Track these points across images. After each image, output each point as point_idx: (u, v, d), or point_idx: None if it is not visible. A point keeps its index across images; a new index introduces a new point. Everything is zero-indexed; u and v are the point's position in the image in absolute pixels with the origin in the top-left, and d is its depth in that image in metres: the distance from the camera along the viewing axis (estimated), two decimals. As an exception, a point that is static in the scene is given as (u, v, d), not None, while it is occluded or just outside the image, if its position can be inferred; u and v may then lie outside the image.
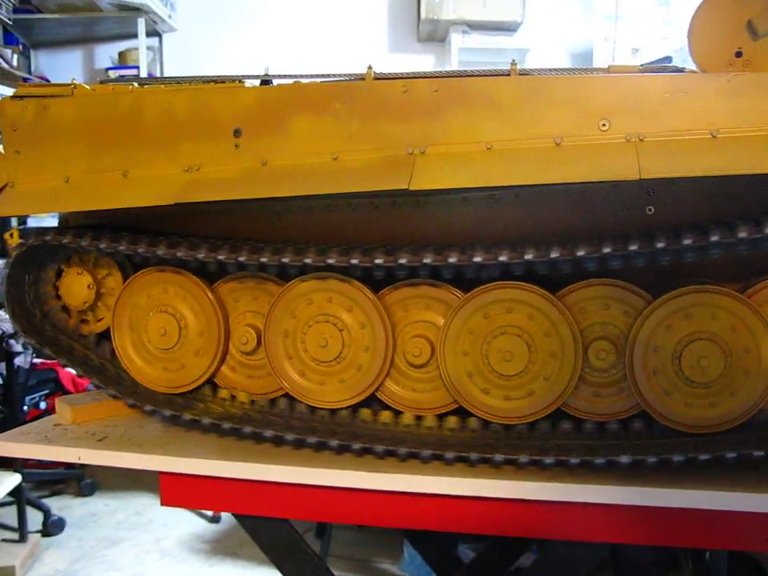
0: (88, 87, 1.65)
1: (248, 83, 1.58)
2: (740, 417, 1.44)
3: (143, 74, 4.62)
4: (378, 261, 1.45)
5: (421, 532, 2.33)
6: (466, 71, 1.50)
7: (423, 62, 5.30)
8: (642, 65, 1.51)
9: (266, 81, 1.61)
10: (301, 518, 1.78)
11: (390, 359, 1.55)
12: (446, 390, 1.53)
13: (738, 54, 1.47)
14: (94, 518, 3.93)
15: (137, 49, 4.68)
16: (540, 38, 4.98)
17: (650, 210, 1.57)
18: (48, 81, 4.62)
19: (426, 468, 1.48)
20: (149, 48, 4.93)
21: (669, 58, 3.52)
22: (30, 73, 4.79)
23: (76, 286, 1.69)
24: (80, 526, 3.85)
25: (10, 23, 4.40)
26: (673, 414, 1.45)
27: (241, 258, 1.53)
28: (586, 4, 4.86)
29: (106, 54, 5.00)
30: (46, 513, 3.71)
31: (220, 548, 3.78)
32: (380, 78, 1.52)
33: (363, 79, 1.52)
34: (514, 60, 1.48)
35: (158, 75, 4.91)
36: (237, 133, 1.54)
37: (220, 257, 1.54)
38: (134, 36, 4.68)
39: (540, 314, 1.48)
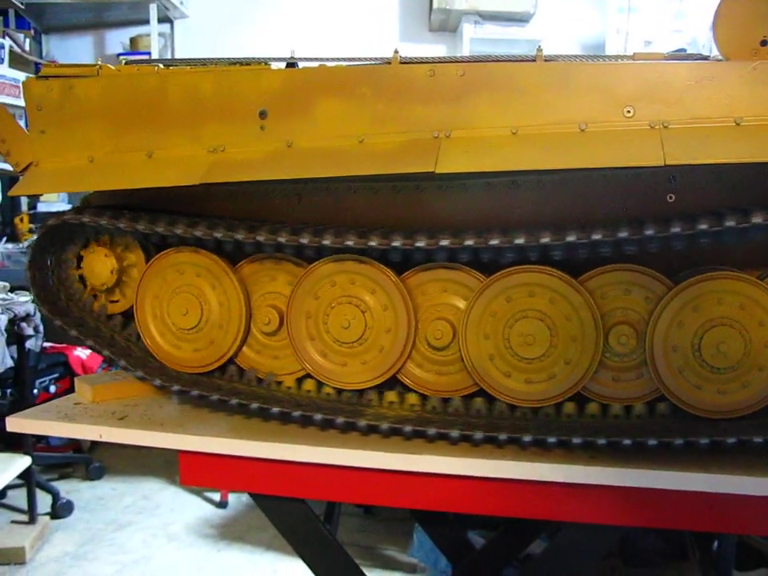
0: (113, 68, 1.66)
1: (273, 66, 1.59)
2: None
3: (154, 59, 4.63)
4: (395, 243, 1.47)
5: (432, 517, 2.35)
6: (491, 56, 1.51)
7: (434, 51, 5.30)
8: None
9: (291, 63, 1.62)
10: (318, 498, 1.81)
11: (412, 341, 1.57)
12: (468, 373, 1.55)
13: (764, 43, 1.47)
14: (102, 501, 3.95)
15: (148, 35, 4.69)
16: (552, 29, 4.98)
17: (671, 197, 1.58)
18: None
19: (448, 449, 1.50)
20: (160, 34, 4.93)
21: (683, 50, 3.53)
22: (41, 57, 4.79)
23: (98, 266, 1.70)
24: (88, 509, 3.88)
25: (22, 7, 4.40)
26: (696, 400, 1.47)
27: (259, 238, 1.54)
28: (599, -4, 4.86)
29: (117, 40, 5.01)
30: (55, 496, 3.73)
31: (227, 533, 3.80)
32: (406, 62, 1.53)
33: (389, 63, 1.53)
34: (539, 46, 1.48)
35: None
36: (262, 114, 1.55)
37: (252, 237, 1.55)
38: (146, 22, 4.69)
39: (561, 298, 1.49)
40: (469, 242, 1.44)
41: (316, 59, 1.61)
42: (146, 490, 4.07)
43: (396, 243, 1.47)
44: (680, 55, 1.47)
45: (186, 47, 5.07)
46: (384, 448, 1.51)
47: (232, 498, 4.06)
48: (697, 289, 1.45)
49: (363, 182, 1.68)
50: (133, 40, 4.86)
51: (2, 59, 3.89)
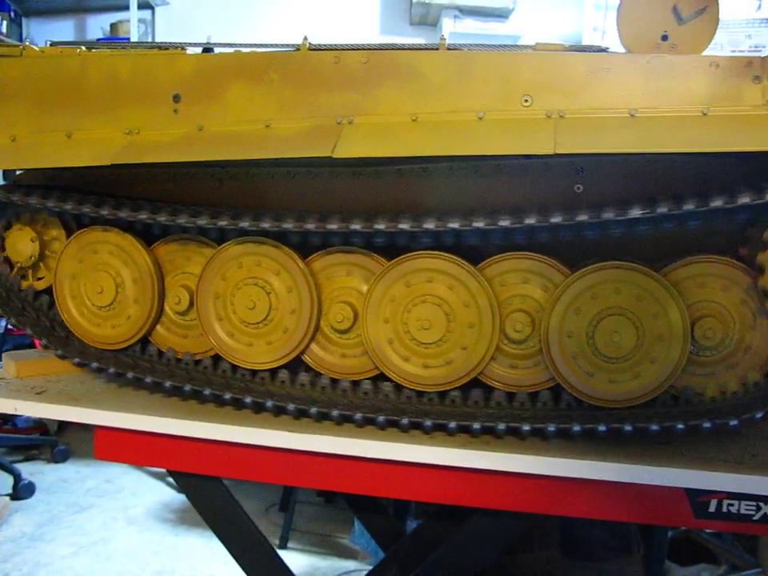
0: (37, 49, 1.69)
1: (189, 51, 1.62)
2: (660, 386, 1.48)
3: (132, 46, 4.65)
4: (286, 226, 1.50)
5: (365, 504, 2.38)
6: (396, 44, 1.53)
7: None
8: None
9: (207, 49, 1.65)
10: (232, 476, 1.84)
11: (315, 323, 1.59)
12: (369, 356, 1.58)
13: (665, 38, 1.49)
14: (65, 484, 4.00)
15: (129, 21, 4.71)
16: (531, 25, 4.99)
17: (578, 188, 1.61)
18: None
19: (356, 431, 1.53)
20: (141, 20, 4.96)
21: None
22: (20, 40, 4.82)
23: (20, 243, 1.73)
24: (50, 491, 3.92)
25: None
26: (587, 387, 1.49)
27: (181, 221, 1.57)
28: (578, -7, 4.87)
29: (98, 25, 5.04)
30: (17, 477, 3.78)
31: (187, 517, 3.84)
32: (315, 48, 1.56)
33: (299, 50, 1.56)
34: (443, 35, 1.51)
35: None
36: (176, 98, 1.58)
37: (160, 219, 1.59)
38: (127, 8, 4.71)
39: (460, 285, 1.51)
40: (356, 227, 1.47)
41: (230, 45, 1.64)
42: (109, 474, 4.11)
43: (288, 226, 1.50)
44: (579, 46, 1.49)
45: (167, 34, 5.09)
46: (293, 428, 1.54)
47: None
48: (596, 277, 1.47)
49: (281, 166, 1.72)
50: (113, 26, 4.89)
51: (-22, 42, 3.92)
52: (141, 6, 4.86)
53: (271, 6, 5.21)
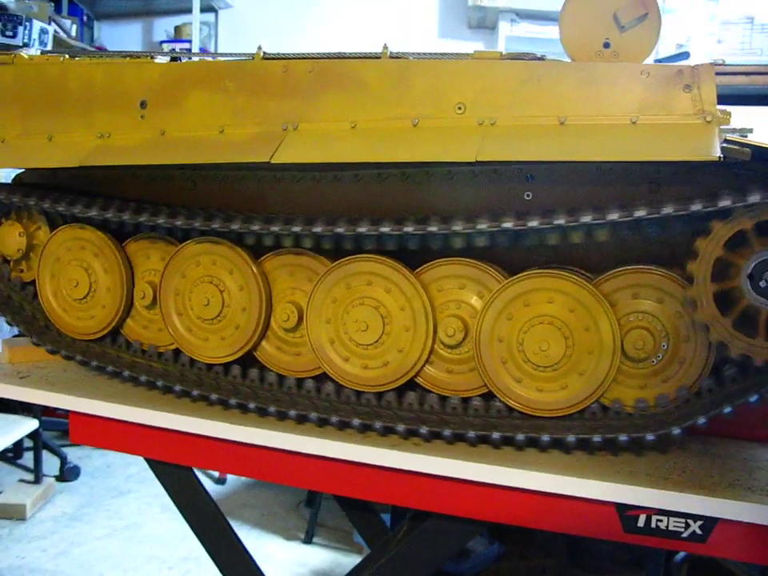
0: (26, 57, 1.82)
1: (157, 59, 1.71)
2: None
3: (195, 48, 4.84)
4: (234, 227, 1.56)
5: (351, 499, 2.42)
6: (342, 53, 1.58)
7: (472, 49, 5.32)
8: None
9: (174, 58, 1.74)
10: (199, 466, 1.92)
11: (264, 321, 1.65)
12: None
13: (606, 45, 1.48)
14: (109, 469, 4.21)
15: (191, 24, 4.91)
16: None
17: (528, 195, 1.61)
18: (105, 50, 4.92)
19: (295, 428, 1.59)
20: (205, 23, 5.15)
21: (686, 54, 3.44)
22: (92, 43, 5.10)
23: (9, 237, 1.87)
24: (94, 475, 4.14)
25: None
26: (515, 394, 1.49)
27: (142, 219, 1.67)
28: (635, -2, 4.76)
29: (164, 27, 5.27)
30: (63, 460, 4.00)
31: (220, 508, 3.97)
32: (268, 58, 1.62)
33: (253, 59, 1.63)
34: (385, 44, 1.54)
35: (212, 50, 5.13)
36: (143, 104, 1.68)
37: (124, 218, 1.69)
38: (191, 11, 4.90)
39: (396, 288, 1.54)
40: (296, 229, 1.52)
41: (196, 54, 1.72)
42: (152, 462, 4.30)
43: (235, 227, 1.57)
44: (514, 54, 1.49)
45: (230, 36, 5.28)
46: (235, 421, 1.61)
47: (231, 476, 4.23)
48: (530, 284, 1.48)
49: (250, 170, 1.79)
50: (177, 28, 5.09)
51: (46, 44, 4.18)
52: (204, 10, 5.05)
53: (332, 11, 5.32)
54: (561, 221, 1.38)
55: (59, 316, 1.86)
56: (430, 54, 1.54)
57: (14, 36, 4.04)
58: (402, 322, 1.55)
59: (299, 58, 1.59)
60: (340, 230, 1.50)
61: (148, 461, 1.93)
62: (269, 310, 1.66)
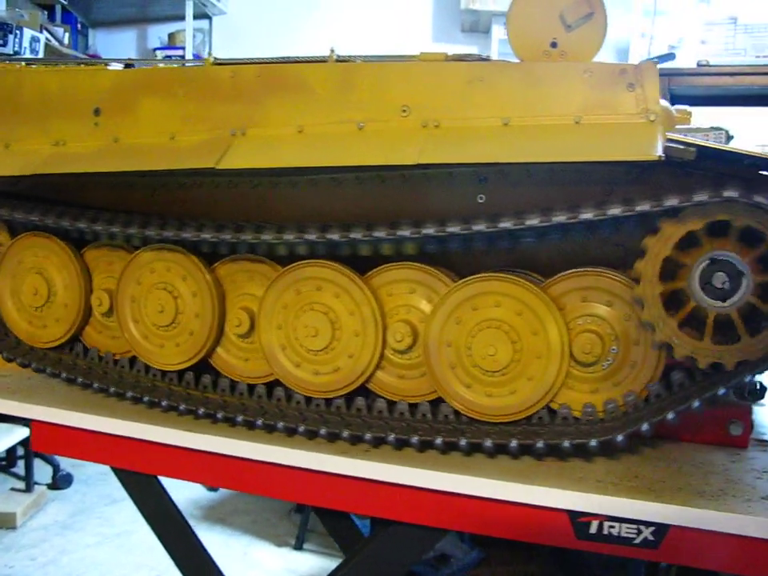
0: (-15, 66, 1.83)
1: (111, 67, 1.71)
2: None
3: (188, 55, 4.86)
4: (185, 235, 1.56)
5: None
6: (290, 57, 1.57)
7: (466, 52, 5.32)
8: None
9: (128, 65, 1.74)
10: (162, 474, 1.91)
11: (217, 327, 1.64)
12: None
13: (554, 45, 1.47)
14: (103, 476, 4.21)
15: (185, 30, 4.93)
16: (582, 33, 4.88)
17: (481, 198, 1.59)
18: (100, 58, 4.95)
19: (241, 433, 1.58)
20: (199, 30, 5.18)
21: (672, 55, 3.41)
22: (86, 50, 5.13)
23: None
24: (88, 483, 4.15)
25: (65, 2, 4.74)
26: (464, 399, 1.48)
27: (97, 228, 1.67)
28: (627, -1, 4.74)
29: (158, 35, 5.29)
30: (56, 468, 4.02)
31: (211, 514, 3.97)
32: (218, 63, 1.61)
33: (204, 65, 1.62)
34: (332, 48, 1.53)
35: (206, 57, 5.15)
36: (96, 112, 1.68)
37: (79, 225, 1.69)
38: (185, 18, 4.93)
39: (345, 293, 1.53)
40: (246, 237, 1.51)
41: (150, 60, 1.72)
42: (145, 470, 4.30)
43: (187, 235, 1.56)
44: (458, 56, 1.48)
45: (224, 43, 5.30)
46: (190, 428, 1.61)
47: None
48: (477, 287, 1.46)
49: (206, 176, 1.78)
50: (171, 35, 5.12)
51: (37, 52, 4.21)
52: (199, 17, 5.07)
53: (326, 16, 5.34)
54: (507, 224, 1.37)
55: (17, 323, 1.85)
56: (377, 56, 1.53)
57: (5, 45, 4.07)
58: (352, 327, 1.53)
59: (249, 63, 1.58)
60: (289, 237, 1.49)
61: (113, 468, 1.93)
62: (222, 316, 1.65)
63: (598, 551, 1.43)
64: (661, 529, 1.36)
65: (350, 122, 1.47)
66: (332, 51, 1.53)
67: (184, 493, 4.12)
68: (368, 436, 1.45)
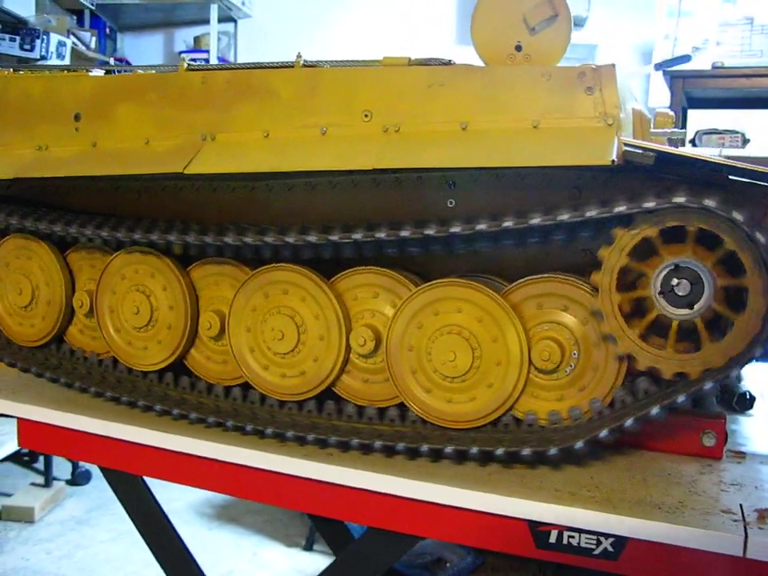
0: (-28, 72, 1.88)
1: (92, 73, 1.75)
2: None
3: (212, 58, 4.92)
4: (153, 237, 1.58)
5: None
6: (260, 63, 1.58)
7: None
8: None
9: (108, 71, 1.77)
10: (143, 474, 1.94)
11: (190, 329, 1.67)
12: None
13: (518, 48, 1.45)
14: (121, 473, 4.28)
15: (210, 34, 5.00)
16: (606, 33, 4.84)
17: (451, 202, 1.58)
18: (128, 62, 5.05)
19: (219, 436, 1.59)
20: (224, 33, 5.24)
21: (688, 57, 3.35)
22: (114, 54, 5.24)
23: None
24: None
25: (92, 8, 4.85)
26: (425, 405, 1.47)
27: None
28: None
29: (184, 38, 5.38)
30: (74, 464, 4.09)
31: (224, 514, 4.01)
32: (192, 69, 1.63)
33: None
34: (299, 53, 1.54)
35: (231, 60, 5.21)
36: (77, 117, 1.71)
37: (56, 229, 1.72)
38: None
39: (311, 297, 1.54)
40: (208, 239, 1.53)
41: (130, 67, 1.75)
42: (163, 467, 4.36)
43: (154, 237, 1.58)
44: (421, 60, 1.47)
45: (249, 46, 5.36)
46: (167, 429, 1.63)
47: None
48: (439, 292, 1.45)
49: (188, 180, 1.80)
50: (196, 39, 5.20)
51: (63, 57, 4.30)
52: (224, 20, 5.14)
53: (351, 18, 5.35)
54: (456, 229, 1.36)
55: (5, 322, 1.90)
56: (343, 61, 1.53)
57: (32, 50, 4.17)
58: (317, 331, 1.54)
59: (221, 69, 1.60)
60: (248, 240, 1.51)
61: (101, 467, 1.96)
62: (195, 310, 1.67)
63: (557, 561, 1.41)
64: (620, 540, 1.33)
65: (314, 127, 1.48)
66: (299, 56, 1.53)
67: (198, 491, 4.17)
68: (332, 440, 1.46)
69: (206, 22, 5.14)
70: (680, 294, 1.32)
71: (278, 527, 3.89)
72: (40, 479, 4.04)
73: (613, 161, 1.22)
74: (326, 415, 1.55)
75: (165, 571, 1.94)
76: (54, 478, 4.04)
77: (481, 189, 1.56)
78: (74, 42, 4.48)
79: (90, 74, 1.74)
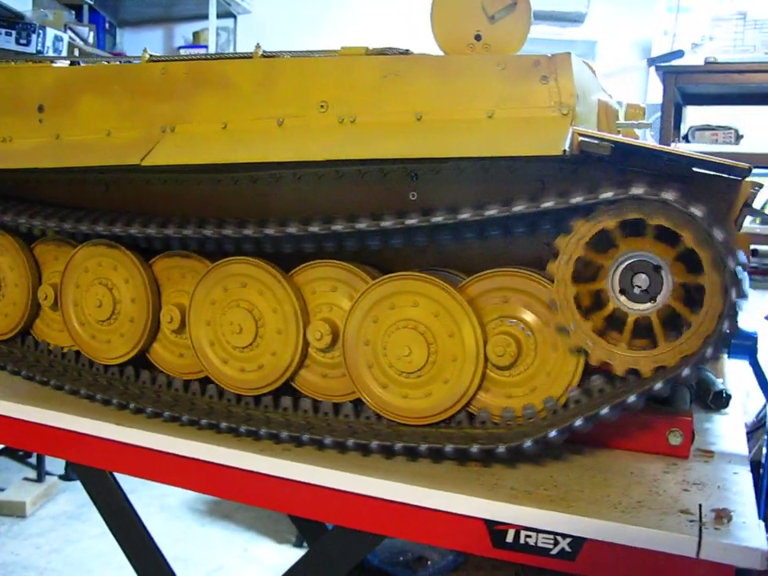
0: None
1: (56, 64, 1.73)
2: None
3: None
4: (116, 230, 1.56)
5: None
6: (220, 54, 1.56)
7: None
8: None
9: (74, 62, 1.76)
10: (111, 469, 1.92)
11: (151, 322, 1.65)
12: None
13: (478, 37, 1.43)
14: (114, 468, 4.29)
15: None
16: (605, 29, 4.79)
17: (413, 195, 1.56)
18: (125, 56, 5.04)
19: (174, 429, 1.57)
20: (224, 29, 5.23)
21: (681, 52, 3.30)
22: (113, 49, 5.23)
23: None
24: (99, 474, 4.22)
25: (92, 2, 4.85)
26: (380, 400, 1.45)
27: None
28: (650, -5, 4.62)
29: (184, 33, 5.37)
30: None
31: (216, 510, 4.01)
32: (154, 60, 1.62)
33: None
34: (258, 44, 1.51)
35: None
36: (40, 109, 1.70)
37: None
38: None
39: (269, 291, 1.52)
40: (168, 232, 1.51)
41: (96, 57, 1.73)
42: (157, 463, 4.37)
43: (116, 230, 1.57)
44: (380, 50, 1.44)
45: (249, 41, 5.32)
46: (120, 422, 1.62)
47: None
48: (395, 286, 1.43)
49: (154, 173, 1.78)
50: (195, 34, 5.19)
51: (60, 51, 4.30)
52: (223, 15, 5.12)
53: (352, 14, 5.32)
54: (412, 221, 1.34)
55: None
56: (301, 51, 1.51)
57: (28, 44, 4.16)
58: (275, 324, 1.52)
59: (182, 60, 1.58)
60: (207, 232, 1.49)
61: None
62: (157, 302, 1.66)
63: (515, 561, 1.39)
64: (577, 540, 1.30)
65: (271, 118, 1.46)
66: (257, 47, 1.51)
67: (192, 487, 4.17)
68: (284, 435, 1.44)
69: (206, 17, 5.11)
70: (638, 289, 1.29)
71: (268, 524, 3.88)
72: (33, 474, 4.05)
73: (564, 151, 1.19)
74: (282, 410, 1.53)
75: (134, 568, 1.92)
76: (47, 473, 4.05)
77: (443, 181, 1.53)
78: (70, 37, 4.48)
79: (54, 65, 1.73)
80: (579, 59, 1.37)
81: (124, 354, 1.69)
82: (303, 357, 1.52)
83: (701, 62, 3.11)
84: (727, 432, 1.72)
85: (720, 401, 1.84)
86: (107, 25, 5.23)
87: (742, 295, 1.17)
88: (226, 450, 1.48)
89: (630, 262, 1.29)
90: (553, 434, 1.29)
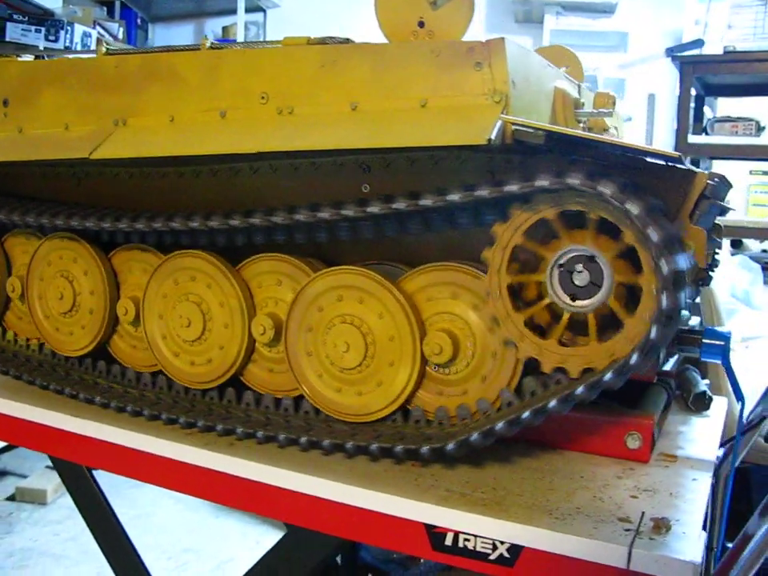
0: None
1: (22, 58, 1.75)
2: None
3: (240, 48, 4.95)
4: (74, 223, 1.57)
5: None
6: (170, 47, 1.55)
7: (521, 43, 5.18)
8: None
9: (38, 56, 1.77)
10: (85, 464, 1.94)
11: (109, 314, 1.66)
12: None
13: (421, 24, 1.38)
14: (135, 459, 4.36)
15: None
16: (637, 20, 4.65)
17: (365, 187, 1.52)
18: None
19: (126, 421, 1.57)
20: (253, 23, 5.26)
21: (701, 41, 3.17)
22: (145, 44, 5.31)
23: None
24: (120, 464, 4.30)
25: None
26: (317, 393, 1.43)
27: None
28: (682, -16, 4.47)
29: (214, 28, 5.42)
30: (90, 448, 4.18)
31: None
32: (111, 53, 1.62)
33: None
34: (205, 35, 1.50)
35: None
36: (5, 103, 1.72)
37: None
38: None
39: (216, 284, 1.51)
40: (122, 225, 1.51)
41: (64, 51, 1.74)
42: (178, 454, 4.43)
43: (74, 223, 1.58)
44: (321, 39, 1.40)
45: (278, 35, 5.34)
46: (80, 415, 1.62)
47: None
48: (336, 280, 1.40)
49: (126, 167, 1.79)
50: (224, 28, 5.23)
51: (89, 47, 4.38)
52: (253, 10, 5.14)
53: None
54: (349, 212, 1.30)
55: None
56: (246, 42, 1.48)
57: (56, 40, 4.23)
58: (222, 318, 1.51)
59: (136, 53, 1.58)
60: (158, 225, 1.48)
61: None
62: (115, 295, 1.66)
63: (455, 565, 1.34)
64: (515, 547, 1.25)
65: (215, 111, 1.44)
66: (205, 38, 1.50)
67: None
68: (219, 428, 1.42)
69: (234, 12, 5.15)
70: (576, 284, 1.23)
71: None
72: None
73: (489, 140, 1.14)
74: (226, 402, 1.52)
75: (109, 563, 1.94)
76: (70, 462, 4.14)
77: (395, 173, 1.49)
78: (99, 33, 4.55)
79: (20, 59, 1.74)
80: (521, 46, 1.32)
81: (85, 346, 1.70)
82: (250, 351, 1.50)
83: (720, 52, 2.97)
84: (700, 436, 1.64)
85: (701, 403, 1.76)
86: (139, 20, 5.30)
87: (674, 303, 1.10)
88: (165, 443, 1.47)
89: (571, 255, 1.23)
90: (474, 437, 1.24)
